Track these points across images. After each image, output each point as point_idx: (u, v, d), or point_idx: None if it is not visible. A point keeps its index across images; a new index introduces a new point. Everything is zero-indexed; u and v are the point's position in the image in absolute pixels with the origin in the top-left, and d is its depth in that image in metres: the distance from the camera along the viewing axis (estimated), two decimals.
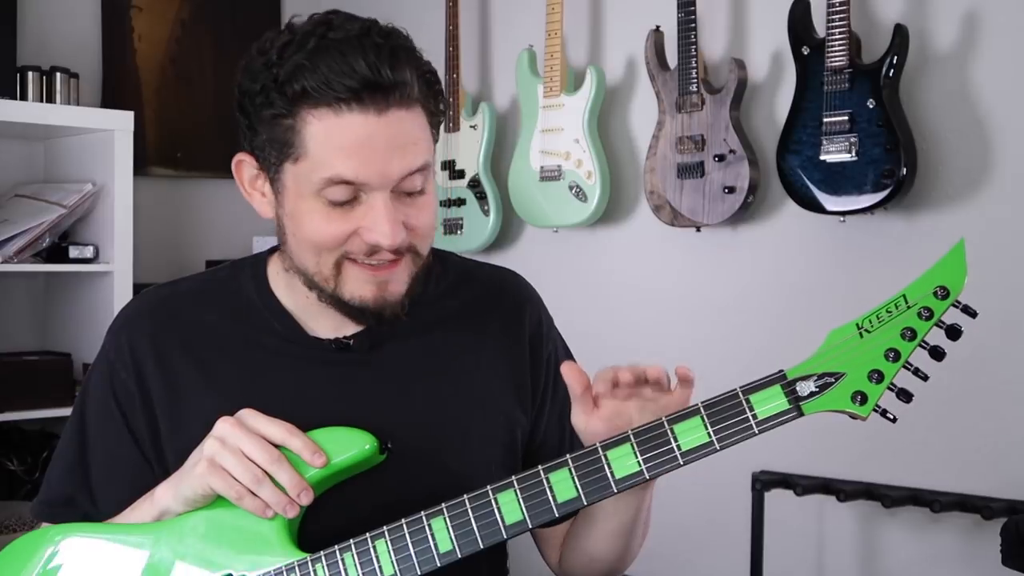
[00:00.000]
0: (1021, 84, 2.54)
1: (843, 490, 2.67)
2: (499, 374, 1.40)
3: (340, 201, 1.23)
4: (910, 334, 1.09)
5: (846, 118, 2.59)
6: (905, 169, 2.54)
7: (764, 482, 2.78)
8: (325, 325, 1.36)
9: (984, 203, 2.58)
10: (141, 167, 3.45)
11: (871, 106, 2.57)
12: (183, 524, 1.25)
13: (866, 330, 1.10)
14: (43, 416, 3.08)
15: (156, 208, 3.64)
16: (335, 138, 1.20)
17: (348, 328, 1.36)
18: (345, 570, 1.20)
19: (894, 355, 1.09)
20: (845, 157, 2.60)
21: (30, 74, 3.21)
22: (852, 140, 2.59)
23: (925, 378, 1.10)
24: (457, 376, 1.38)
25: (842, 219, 2.67)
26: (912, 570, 2.68)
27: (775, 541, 2.81)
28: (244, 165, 1.32)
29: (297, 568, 1.21)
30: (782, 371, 1.13)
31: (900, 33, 2.57)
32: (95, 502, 1.37)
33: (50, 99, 3.24)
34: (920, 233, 2.65)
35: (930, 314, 1.09)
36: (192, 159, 3.73)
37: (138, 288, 3.12)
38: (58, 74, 3.26)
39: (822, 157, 2.63)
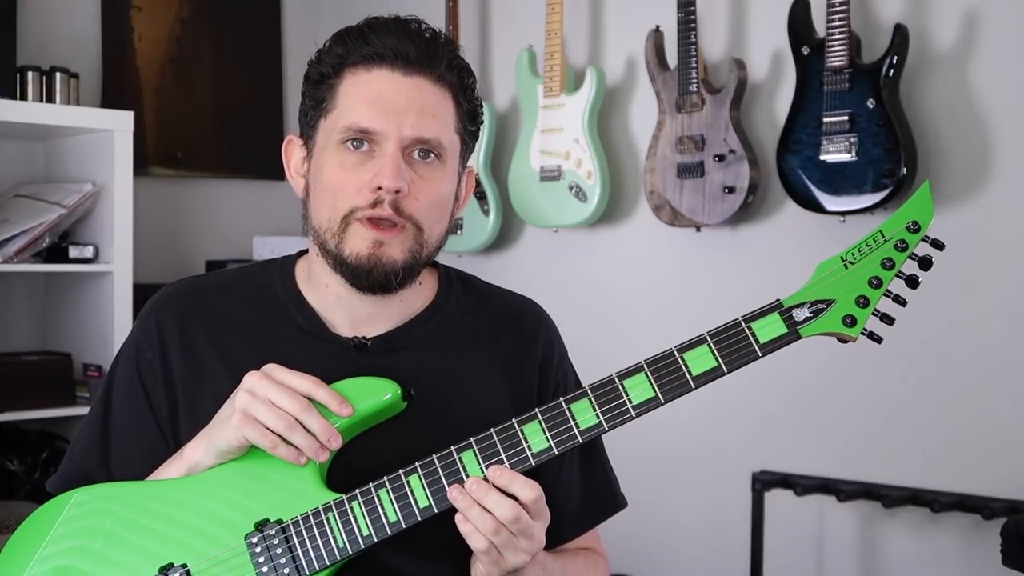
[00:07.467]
0: (1021, 84, 2.54)
1: (843, 490, 2.67)
2: (506, 393, 1.43)
3: (356, 148, 1.33)
4: (889, 263, 1.23)
5: (846, 118, 2.59)
6: (905, 169, 2.54)
7: (764, 482, 2.78)
8: (345, 324, 1.41)
9: (984, 203, 2.58)
10: (141, 167, 3.45)
11: (871, 106, 2.57)
12: (215, 476, 1.30)
13: (850, 262, 1.24)
14: (43, 416, 3.09)
15: (156, 208, 3.63)
16: (362, 90, 1.34)
17: (367, 329, 1.40)
18: (381, 504, 1.25)
19: (876, 282, 1.23)
20: (845, 157, 2.60)
21: (30, 74, 3.20)
22: (852, 140, 2.59)
23: (904, 303, 1.23)
24: (465, 390, 1.41)
25: (842, 219, 2.67)
26: (912, 570, 2.68)
27: (775, 541, 2.81)
28: (293, 145, 1.44)
29: (334, 506, 1.26)
30: (778, 300, 1.25)
31: (900, 33, 2.57)
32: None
33: (50, 99, 3.24)
34: None
35: (905, 245, 1.23)
36: (192, 159, 3.72)
37: (138, 288, 3.12)
38: (58, 74, 3.25)
39: (822, 157, 2.64)
